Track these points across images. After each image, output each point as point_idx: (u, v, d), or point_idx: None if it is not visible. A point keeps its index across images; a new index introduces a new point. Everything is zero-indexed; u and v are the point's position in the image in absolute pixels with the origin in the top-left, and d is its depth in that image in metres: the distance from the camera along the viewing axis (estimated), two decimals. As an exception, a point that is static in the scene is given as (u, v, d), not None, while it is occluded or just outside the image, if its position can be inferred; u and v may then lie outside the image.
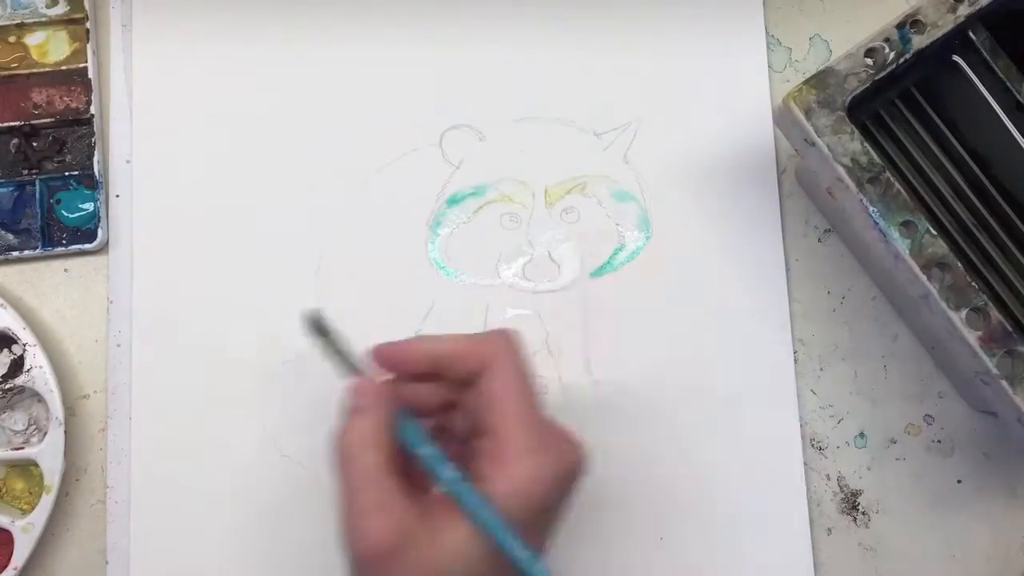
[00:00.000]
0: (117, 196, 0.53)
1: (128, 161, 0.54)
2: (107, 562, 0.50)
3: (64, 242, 0.53)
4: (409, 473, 0.40)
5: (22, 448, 0.50)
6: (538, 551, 0.40)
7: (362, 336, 0.52)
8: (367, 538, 0.38)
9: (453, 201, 0.54)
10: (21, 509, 0.51)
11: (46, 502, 0.49)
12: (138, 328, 0.52)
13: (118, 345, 0.52)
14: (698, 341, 0.52)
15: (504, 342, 0.42)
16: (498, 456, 0.40)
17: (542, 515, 0.40)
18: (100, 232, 0.52)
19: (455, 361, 0.41)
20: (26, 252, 0.53)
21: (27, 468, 0.51)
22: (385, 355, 0.43)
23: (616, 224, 0.53)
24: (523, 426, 0.40)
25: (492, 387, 0.41)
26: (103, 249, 0.53)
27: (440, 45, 0.55)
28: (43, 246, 0.53)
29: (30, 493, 0.51)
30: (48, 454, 0.50)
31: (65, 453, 0.50)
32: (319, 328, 0.42)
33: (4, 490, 0.51)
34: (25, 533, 0.49)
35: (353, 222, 0.53)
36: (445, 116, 0.54)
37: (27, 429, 0.52)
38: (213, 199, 0.53)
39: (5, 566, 0.49)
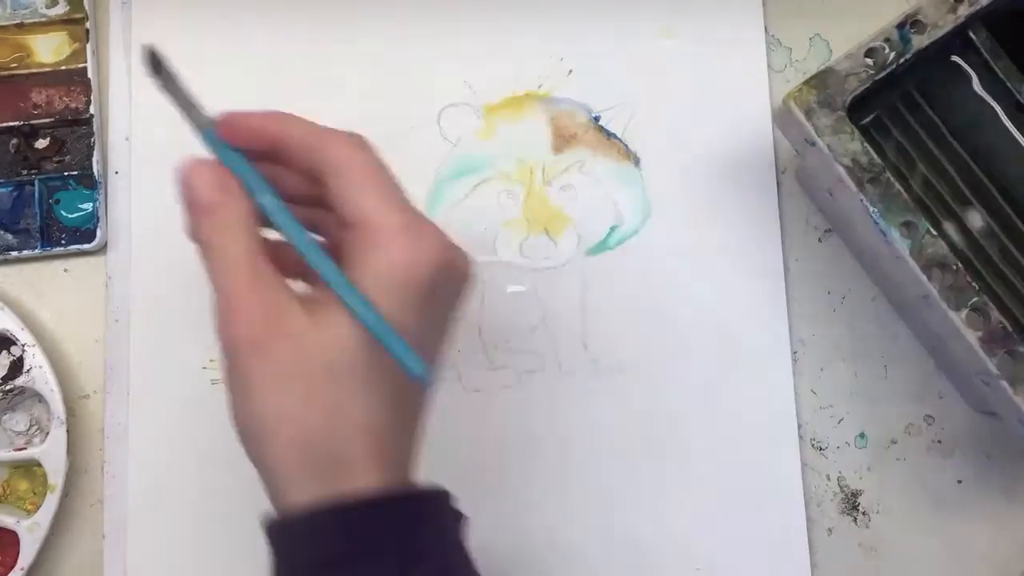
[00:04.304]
0: (116, 172, 0.53)
1: (116, 172, 0.54)
2: (103, 535, 0.50)
3: (63, 242, 0.53)
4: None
5: (24, 449, 0.51)
6: (424, 352, 0.36)
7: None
8: (239, 322, 0.35)
9: (451, 178, 0.54)
10: (26, 510, 0.51)
11: (51, 502, 0.50)
12: (136, 311, 0.52)
13: (116, 320, 0.52)
14: (695, 335, 0.52)
15: (356, 140, 0.37)
16: (368, 240, 0.36)
17: (423, 305, 0.36)
18: (99, 232, 0.52)
19: (302, 149, 0.37)
20: (25, 252, 0.53)
21: (30, 469, 0.51)
22: (234, 129, 0.38)
23: (614, 202, 0.53)
24: (392, 208, 0.36)
25: (351, 176, 0.36)
26: (102, 249, 0.53)
27: (438, 22, 0.55)
28: (42, 246, 0.53)
29: (34, 493, 0.51)
30: (51, 454, 0.50)
31: (67, 452, 0.50)
32: (155, 65, 0.37)
33: (8, 491, 0.52)
34: (30, 533, 0.49)
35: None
36: (443, 93, 0.55)
37: (29, 430, 0.52)
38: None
39: (12, 567, 0.49)
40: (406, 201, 0.37)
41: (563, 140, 0.54)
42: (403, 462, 0.38)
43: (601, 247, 0.53)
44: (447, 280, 0.37)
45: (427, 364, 0.36)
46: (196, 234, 0.37)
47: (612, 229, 0.53)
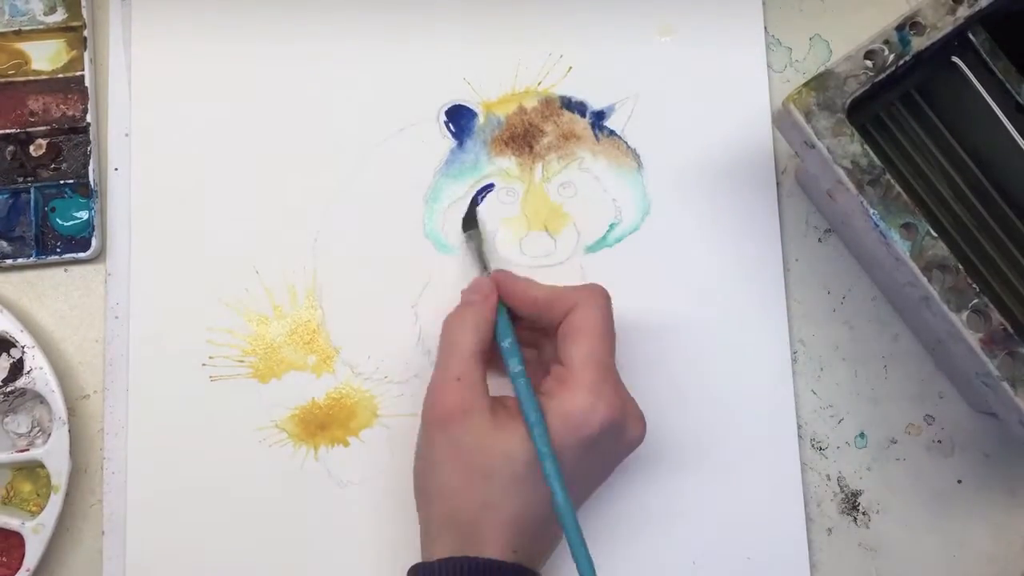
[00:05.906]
0: (116, 169, 0.53)
1: (116, 169, 0.54)
2: (103, 532, 0.51)
3: (58, 250, 0.53)
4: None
5: (27, 450, 0.51)
6: (572, 489, 0.43)
7: (358, 310, 0.52)
8: (440, 404, 0.44)
9: (450, 176, 0.54)
10: (30, 511, 0.51)
11: (55, 502, 0.50)
12: (135, 308, 0.52)
13: (116, 317, 0.52)
14: (695, 334, 0.52)
15: (597, 291, 0.46)
16: (563, 380, 0.44)
17: (585, 451, 0.43)
18: (94, 241, 0.52)
19: (553, 305, 0.46)
20: (20, 260, 0.53)
21: (33, 470, 0.52)
22: (503, 284, 0.47)
23: (613, 200, 0.54)
24: (593, 366, 0.44)
25: (576, 322, 0.45)
26: (97, 257, 0.53)
27: (438, 19, 0.55)
28: (37, 254, 0.53)
29: (38, 495, 0.52)
30: (54, 454, 0.50)
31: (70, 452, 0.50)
32: (471, 222, 0.51)
33: (12, 493, 0.52)
34: (35, 534, 0.50)
35: (351, 196, 0.54)
36: (443, 91, 0.55)
37: (31, 431, 0.52)
38: (210, 195, 0.54)
39: (17, 568, 0.49)
40: (608, 359, 0.45)
41: (563, 137, 0.54)
42: (532, 554, 0.45)
43: (600, 244, 0.53)
44: (614, 439, 0.45)
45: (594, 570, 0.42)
46: (447, 319, 0.47)
47: (611, 227, 0.53)
